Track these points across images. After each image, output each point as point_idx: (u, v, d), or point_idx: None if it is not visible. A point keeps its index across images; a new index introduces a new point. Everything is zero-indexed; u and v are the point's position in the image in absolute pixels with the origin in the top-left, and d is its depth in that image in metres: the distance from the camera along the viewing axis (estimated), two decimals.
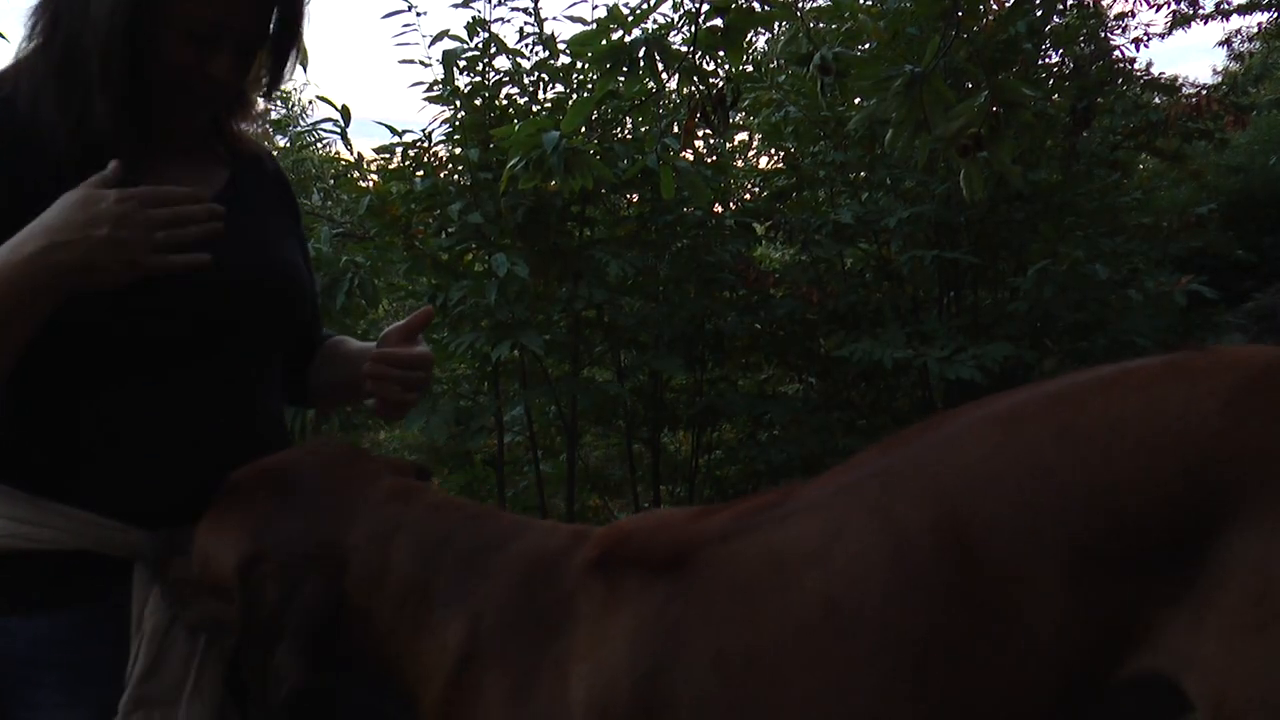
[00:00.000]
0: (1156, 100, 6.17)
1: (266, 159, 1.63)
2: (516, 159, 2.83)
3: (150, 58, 1.33)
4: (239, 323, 1.43)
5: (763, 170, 5.99)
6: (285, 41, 1.46)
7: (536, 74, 4.60)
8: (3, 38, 3.47)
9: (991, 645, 0.97)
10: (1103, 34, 5.12)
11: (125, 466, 1.35)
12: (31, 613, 1.33)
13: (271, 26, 1.43)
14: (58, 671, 1.33)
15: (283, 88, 1.53)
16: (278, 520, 1.31)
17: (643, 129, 4.77)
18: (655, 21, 2.93)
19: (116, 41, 1.30)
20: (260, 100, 1.56)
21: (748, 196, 5.75)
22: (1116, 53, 5.42)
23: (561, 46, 4.59)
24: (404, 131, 4.70)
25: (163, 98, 1.38)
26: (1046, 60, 5.32)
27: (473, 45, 4.44)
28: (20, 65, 1.37)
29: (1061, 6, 4.93)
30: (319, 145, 7.62)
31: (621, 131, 4.75)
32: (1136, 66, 5.97)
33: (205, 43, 1.34)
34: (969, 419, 1.10)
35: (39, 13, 1.36)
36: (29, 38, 1.37)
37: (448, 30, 4.41)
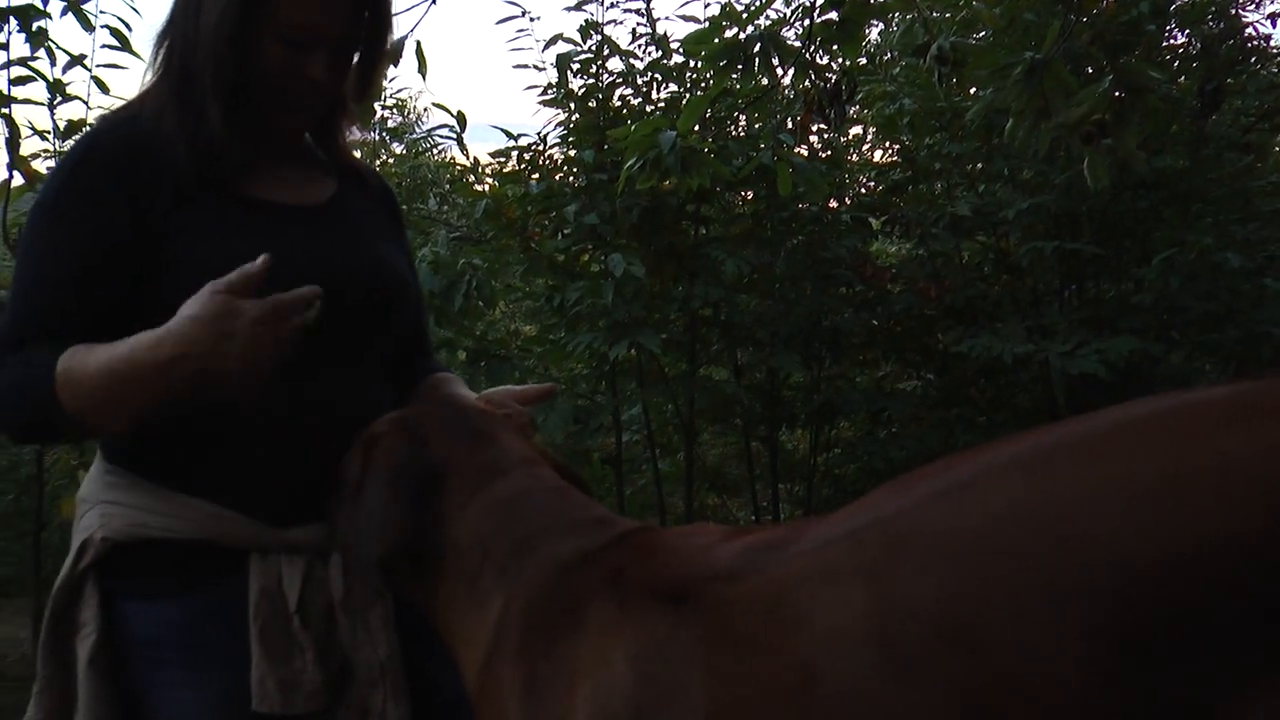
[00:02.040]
0: None
1: (370, 175, 1.70)
2: (633, 160, 2.86)
3: (252, 64, 1.41)
4: (348, 327, 1.49)
5: (878, 164, 5.93)
6: (374, 46, 1.53)
7: (650, 74, 4.62)
8: (138, 57, 3.65)
9: None
10: (1233, 10, 4.93)
11: (244, 462, 1.41)
12: (156, 598, 1.41)
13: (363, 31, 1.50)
14: (182, 654, 1.40)
15: (399, 96, 1.59)
16: (400, 420, 1.39)
17: (757, 125, 4.76)
18: (768, 17, 2.92)
19: (223, 49, 1.38)
20: (363, 106, 1.63)
21: (863, 191, 5.69)
22: (1249, 30, 5.21)
23: (674, 46, 4.61)
24: (519, 135, 4.77)
25: (264, 102, 1.46)
26: (1172, 41, 5.15)
27: (586, 48, 4.49)
28: (146, 92, 1.48)
29: None
30: (435, 151, 7.78)
31: (736, 129, 4.75)
32: (1272, 44, 5.76)
33: (301, 47, 1.42)
34: (990, 461, 0.96)
35: (159, 41, 1.47)
36: (152, 68, 1.48)
37: (561, 34, 4.47)
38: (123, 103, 1.51)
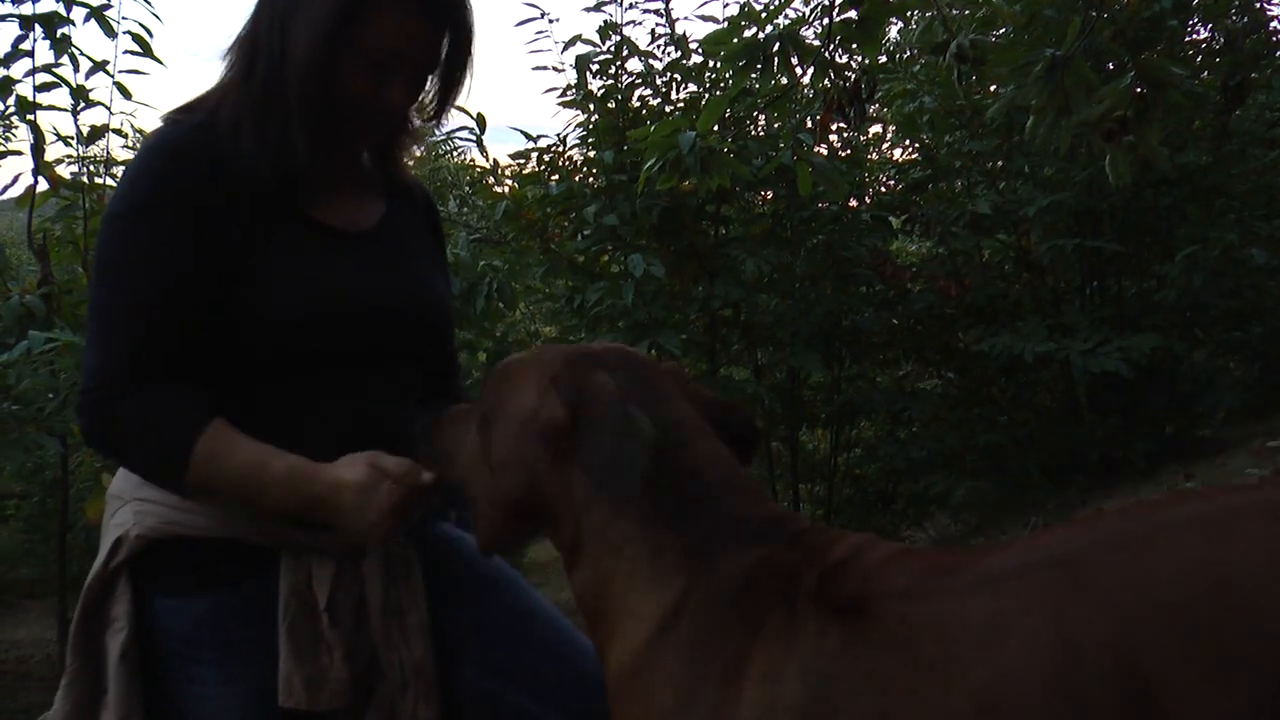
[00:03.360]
0: None
1: (418, 190, 1.70)
2: (653, 160, 2.86)
3: (335, 88, 1.40)
4: (387, 348, 1.50)
5: (898, 162, 5.92)
6: (456, 68, 1.52)
7: (669, 75, 4.63)
8: (160, 63, 3.67)
9: None
10: (1258, 4, 4.90)
11: None
12: (188, 595, 1.42)
13: (443, 53, 1.49)
14: (215, 650, 1.42)
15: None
16: (583, 355, 1.30)
17: (776, 125, 4.76)
18: (787, 16, 2.92)
19: (314, 75, 1.38)
20: (427, 126, 1.63)
21: (883, 190, 5.68)
22: (1274, 24, 5.17)
23: (693, 46, 4.61)
24: (539, 137, 4.79)
25: (341, 124, 1.45)
26: (1194, 36, 5.12)
27: (605, 49, 4.49)
28: (219, 95, 1.46)
29: None
30: (455, 153, 7.81)
31: (755, 128, 4.74)
32: None
33: (383, 71, 1.42)
34: (1173, 517, 0.97)
35: (239, 47, 1.45)
36: (227, 73, 1.46)
37: (580, 35, 4.48)
38: (189, 103, 1.48)
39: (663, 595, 1.18)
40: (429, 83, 1.52)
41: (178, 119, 1.45)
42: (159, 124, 1.46)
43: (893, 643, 1.02)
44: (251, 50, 1.43)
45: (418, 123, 1.61)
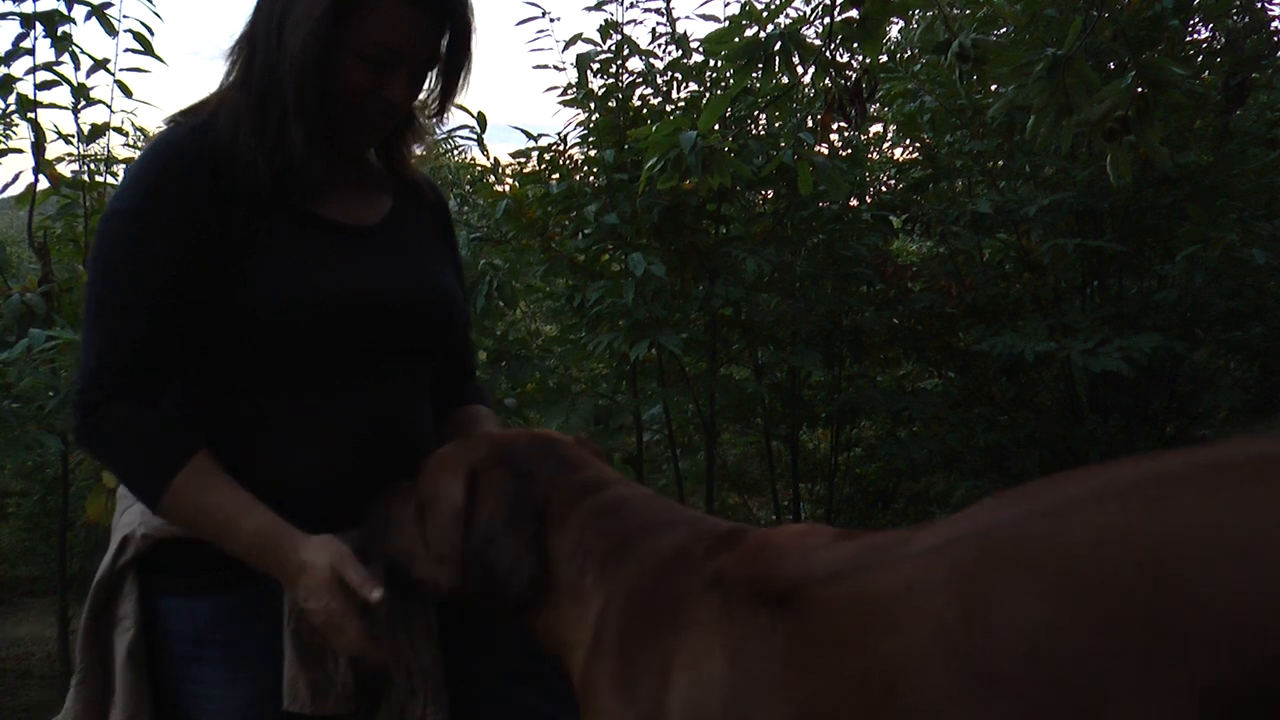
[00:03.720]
0: None
1: (426, 186, 1.70)
2: (654, 159, 2.86)
3: (333, 84, 1.41)
4: (397, 345, 1.51)
5: (898, 162, 5.91)
6: (456, 63, 1.52)
7: (670, 74, 4.62)
8: (161, 61, 3.68)
9: None
10: (1259, 4, 4.89)
11: (286, 467, 1.42)
12: (194, 595, 1.43)
13: (443, 49, 1.49)
14: (217, 651, 1.42)
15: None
16: (499, 453, 1.40)
17: (777, 124, 4.76)
18: (789, 16, 2.92)
19: (310, 71, 1.38)
20: (429, 124, 1.63)
21: (884, 189, 5.68)
22: (1275, 24, 5.17)
23: (695, 45, 4.61)
24: (539, 135, 4.78)
25: (341, 120, 1.45)
26: (1195, 36, 5.12)
27: (606, 48, 4.49)
28: (219, 97, 1.47)
29: None
30: (455, 152, 7.81)
31: (756, 128, 4.74)
32: None
33: (383, 67, 1.42)
34: (1108, 481, 0.92)
35: (237, 49, 1.46)
36: (228, 73, 1.47)
37: (581, 34, 4.47)
38: (192, 105, 1.50)
39: (586, 615, 1.27)
40: (430, 79, 1.52)
41: (179, 121, 1.45)
42: (162, 127, 1.47)
43: (816, 621, 1.04)
44: (249, 50, 1.44)
45: (421, 120, 1.61)
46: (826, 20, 2.63)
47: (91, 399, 1.37)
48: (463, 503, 1.36)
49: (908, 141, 5.69)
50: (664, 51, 4.66)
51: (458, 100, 1.57)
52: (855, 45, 2.73)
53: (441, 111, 1.58)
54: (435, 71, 1.52)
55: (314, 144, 1.42)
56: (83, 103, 3.70)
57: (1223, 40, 5.00)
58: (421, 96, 1.53)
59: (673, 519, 1.32)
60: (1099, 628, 0.84)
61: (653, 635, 1.18)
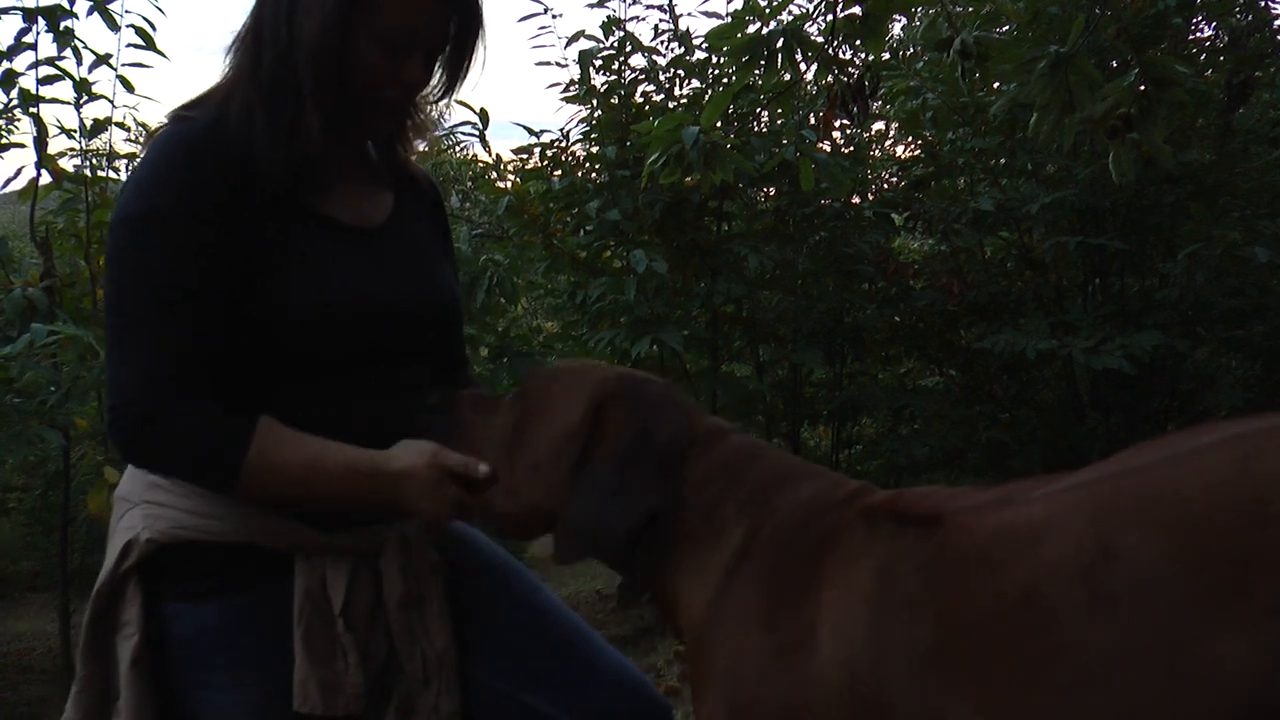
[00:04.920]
0: None
1: (424, 181, 1.68)
2: (656, 155, 2.86)
3: (349, 71, 1.39)
4: (404, 348, 1.50)
5: (900, 159, 5.91)
6: (464, 46, 1.51)
7: (672, 70, 4.62)
8: (164, 56, 3.68)
9: (1168, 680, 0.95)
10: (1262, 2, 4.89)
11: None
12: (200, 600, 1.41)
13: (452, 30, 1.48)
14: (225, 655, 1.40)
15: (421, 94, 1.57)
16: (628, 387, 1.40)
17: (778, 121, 4.76)
18: (791, 12, 2.92)
19: (325, 59, 1.37)
20: (434, 109, 1.62)
21: (885, 187, 5.68)
22: (1278, 22, 5.16)
23: (697, 41, 4.61)
24: (541, 132, 4.79)
25: (358, 108, 1.45)
26: (1199, 34, 5.11)
27: (608, 44, 4.49)
28: (226, 90, 1.44)
29: None
30: (457, 148, 7.80)
31: (758, 124, 4.74)
32: None
33: (398, 50, 1.41)
34: (1222, 433, 1.05)
35: (242, 41, 1.44)
36: (231, 67, 1.45)
37: (583, 30, 4.48)
38: (194, 100, 1.46)
39: (723, 545, 1.29)
40: (436, 66, 1.51)
41: (184, 116, 1.43)
42: (165, 121, 1.44)
43: (956, 545, 1.12)
44: (257, 42, 1.42)
45: (422, 115, 1.61)
46: (829, 17, 2.63)
47: (137, 413, 1.33)
48: (579, 429, 1.36)
49: (910, 139, 5.69)
50: (666, 48, 4.68)
51: (464, 86, 1.56)
52: (858, 42, 2.73)
53: (448, 94, 1.56)
54: (442, 56, 1.51)
55: (330, 133, 1.41)
56: (85, 98, 3.71)
57: (1226, 38, 5.00)
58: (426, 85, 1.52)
59: (807, 471, 1.36)
60: (1207, 559, 0.96)
61: (799, 567, 1.22)
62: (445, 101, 1.59)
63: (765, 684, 1.19)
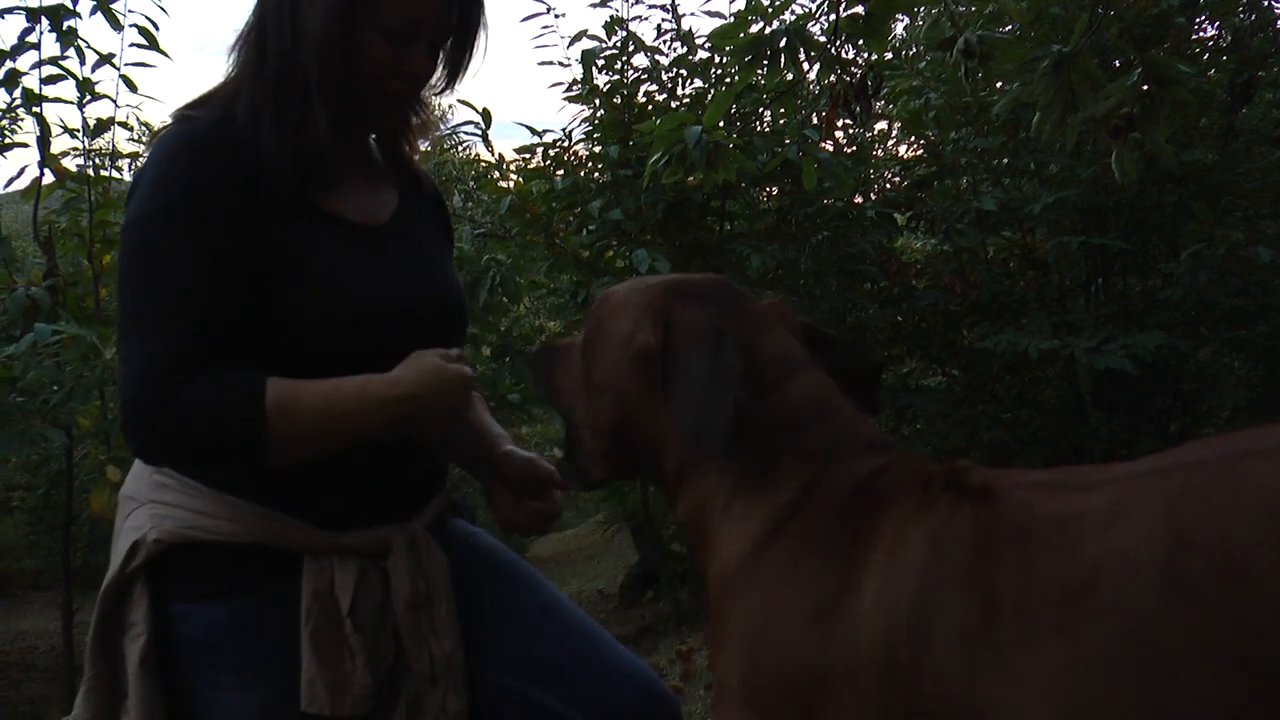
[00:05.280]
0: None
1: (425, 180, 1.69)
2: (659, 155, 2.86)
3: (354, 64, 1.40)
4: (405, 343, 1.49)
5: (903, 159, 5.91)
6: (466, 36, 1.51)
7: (675, 70, 4.63)
8: (166, 56, 3.68)
9: (1242, 669, 0.94)
10: (1265, 2, 4.88)
11: (300, 467, 1.39)
12: (208, 600, 1.41)
13: (454, 19, 1.48)
14: (232, 656, 1.41)
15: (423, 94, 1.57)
16: (702, 291, 1.37)
17: (781, 121, 4.76)
18: (794, 11, 2.92)
19: (330, 53, 1.38)
20: (437, 107, 1.63)
21: (888, 186, 5.68)
22: None
23: (700, 41, 4.61)
24: (544, 131, 4.79)
25: (365, 102, 1.45)
26: (1202, 33, 5.10)
27: (611, 44, 4.50)
28: (231, 88, 1.44)
29: None
30: (460, 148, 7.81)
31: (761, 124, 4.74)
32: None
33: (402, 40, 1.41)
34: None
35: (245, 40, 1.45)
36: (235, 66, 1.45)
37: (586, 30, 4.49)
38: (198, 99, 1.47)
39: (777, 493, 1.25)
40: (439, 57, 1.51)
41: (189, 115, 1.43)
42: (169, 121, 1.44)
43: (1015, 521, 1.09)
44: (260, 40, 1.42)
45: (426, 114, 1.61)
46: (832, 16, 2.63)
47: (148, 403, 1.32)
48: (641, 343, 1.32)
49: (912, 138, 5.68)
50: (669, 48, 4.68)
51: (466, 79, 1.56)
52: (860, 41, 2.73)
53: (451, 85, 1.56)
54: (444, 47, 1.51)
55: (337, 129, 1.42)
56: (88, 97, 3.71)
57: (1229, 38, 4.99)
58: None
59: (876, 438, 1.30)
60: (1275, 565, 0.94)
61: (848, 530, 1.18)
62: (448, 93, 1.59)
63: (793, 646, 1.16)
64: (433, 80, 1.53)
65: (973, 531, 1.10)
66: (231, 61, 1.46)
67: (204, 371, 1.33)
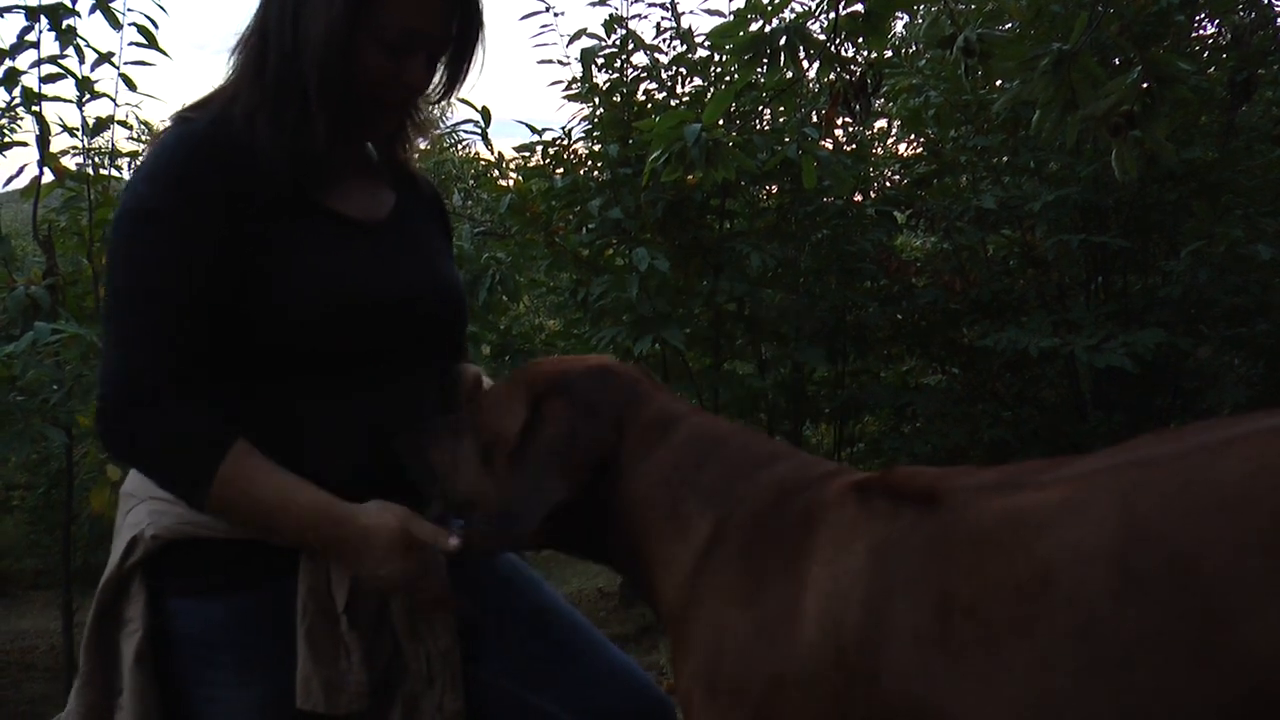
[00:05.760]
0: None
1: (422, 181, 1.70)
2: (658, 153, 2.86)
3: (353, 72, 1.40)
4: (410, 342, 1.50)
5: (903, 157, 5.91)
6: (465, 48, 1.52)
7: (674, 68, 4.63)
8: (166, 55, 3.68)
9: (1196, 659, 0.94)
10: (1265, 0, 4.88)
11: (301, 466, 1.40)
12: (204, 597, 1.41)
13: (454, 31, 1.49)
14: (231, 653, 1.41)
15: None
16: (571, 382, 1.40)
17: (781, 119, 4.76)
18: (794, 10, 2.92)
19: (331, 61, 1.38)
20: (434, 108, 1.63)
21: (888, 184, 5.68)
22: None
23: (699, 39, 4.61)
24: (543, 130, 4.79)
25: (361, 109, 1.45)
26: (1202, 31, 5.11)
27: (610, 42, 4.49)
28: (231, 91, 1.45)
29: None
30: (459, 146, 7.80)
31: (760, 122, 4.74)
32: None
33: (402, 51, 1.42)
34: (1256, 426, 1.03)
35: (246, 43, 1.45)
36: (235, 68, 1.46)
37: (585, 29, 4.49)
38: (197, 102, 1.47)
39: (690, 538, 1.28)
40: (438, 67, 1.52)
41: (189, 117, 1.43)
42: (169, 123, 1.45)
43: (962, 525, 1.09)
44: (261, 44, 1.43)
45: (423, 115, 1.61)
46: (831, 14, 2.63)
47: (117, 407, 1.34)
48: (511, 430, 1.37)
49: (912, 137, 5.69)
50: (668, 46, 4.67)
51: (464, 87, 1.57)
52: (860, 40, 2.73)
53: (448, 95, 1.57)
54: (444, 57, 1.52)
55: (335, 135, 1.42)
56: (87, 96, 3.70)
57: (1229, 36, 4.99)
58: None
59: (773, 452, 1.34)
60: (1240, 549, 0.94)
61: (779, 544, 1.20)
62: (445, 102, 1.60)
63: (747, 658, 1.17)
64: (431, 88, 1.54)
65: (918, 538, 1.10)
66: (231, 65, 1.47)
67: (182, 390, 1.35)
